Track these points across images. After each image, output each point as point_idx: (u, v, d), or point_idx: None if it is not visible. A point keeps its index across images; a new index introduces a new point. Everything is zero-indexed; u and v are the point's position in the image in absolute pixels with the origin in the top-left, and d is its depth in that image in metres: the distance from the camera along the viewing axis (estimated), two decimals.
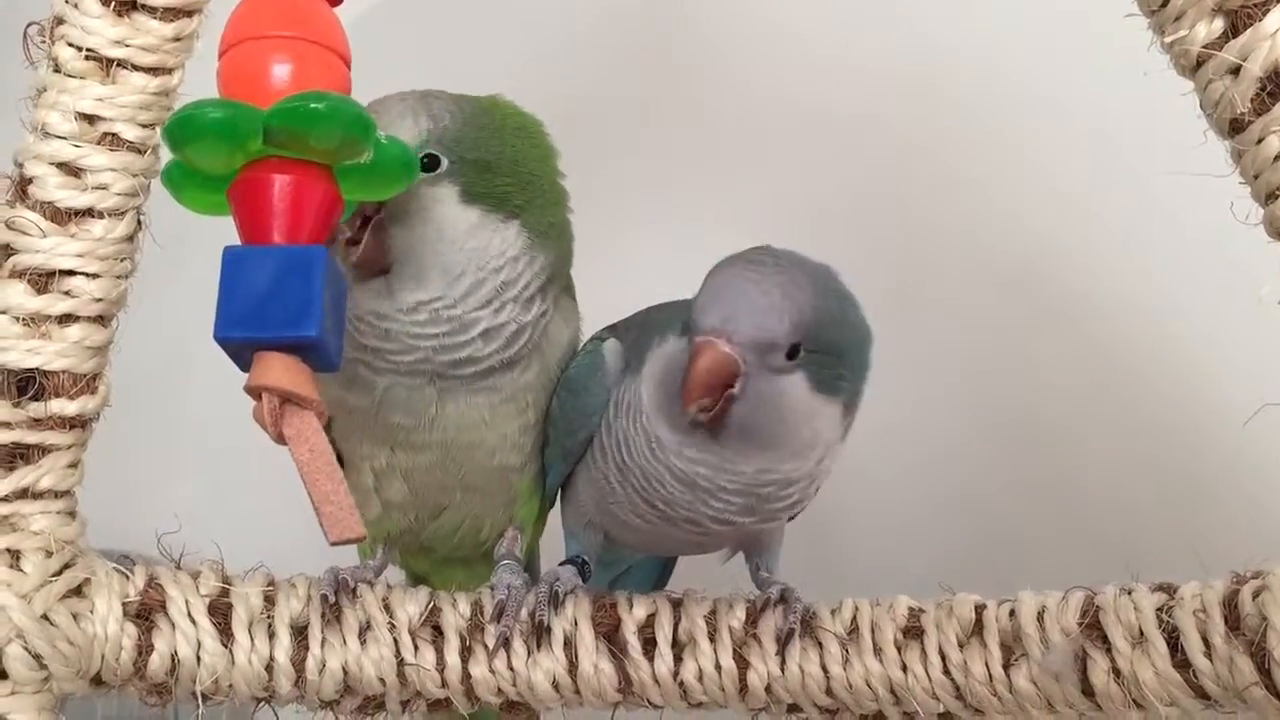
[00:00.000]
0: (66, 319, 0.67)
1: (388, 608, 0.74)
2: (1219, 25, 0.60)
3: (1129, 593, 0.71)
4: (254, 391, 0.64)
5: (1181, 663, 0.68)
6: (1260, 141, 0.60)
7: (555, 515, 0.86)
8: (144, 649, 0.71)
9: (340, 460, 0.78)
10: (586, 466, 0.78)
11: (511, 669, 0.74)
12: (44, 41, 0.67)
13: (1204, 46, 0.60)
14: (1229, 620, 0.67)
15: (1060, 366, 1.14)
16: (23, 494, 0.68)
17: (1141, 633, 0.69)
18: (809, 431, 0.72)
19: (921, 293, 1.16)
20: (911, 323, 1.13)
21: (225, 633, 0.72)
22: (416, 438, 0.77)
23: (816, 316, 0.69)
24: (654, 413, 0.72)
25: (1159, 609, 0.69)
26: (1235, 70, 0.60)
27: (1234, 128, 0.61)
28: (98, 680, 0.72)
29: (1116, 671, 0.69)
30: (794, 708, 0.75)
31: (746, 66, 1.20)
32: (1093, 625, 0.70)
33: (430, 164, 0.73)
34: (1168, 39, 0.61)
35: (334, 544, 0.64)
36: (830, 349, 0.70)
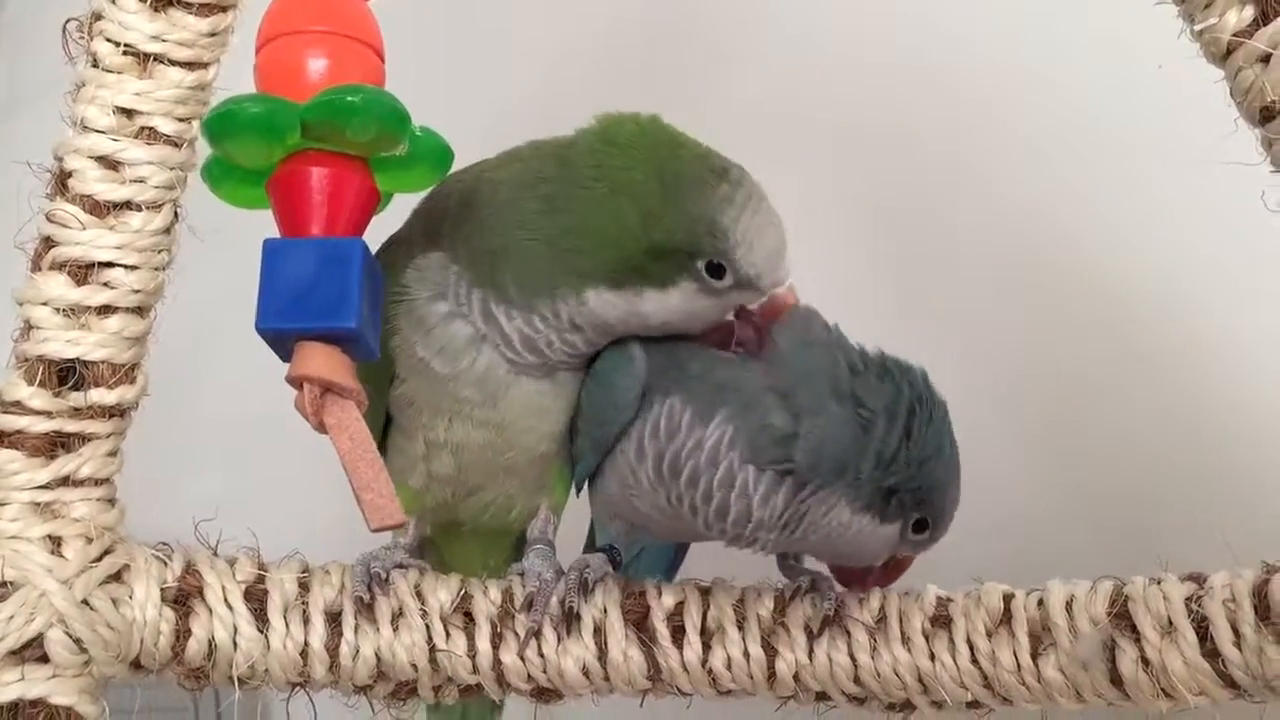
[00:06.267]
0: (106, 310, 0.68)
1: (420, 594, 0.75)
2: (1249, 13, 0.60)
3: (1158, 582, 0.71)
4: (295, 381, 0.65)
5: (1211, 652, 0.68)
6: None
7: (571, 503, 0.87)
8: (182, 634, 0.72)
9: (390, 429, 0.81)
10: (613, 456, 0.79)
11: (542, 656, 0.75)
12: (82, 37, 0.68)
13: (1234, 34, 0.60)
14: (1259, 610, 0.67)
15: (1088, 357, 1.13)
16: (63, 482, 0.69)
17: (1171, 622, 0.69)
18: None
19: (944, 286, 1.16)
20: (934, 316, 1.13)
21: (261, 618, 0.73)
22: (479, 414, 0.78)
23: None
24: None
25: (1188, 599, 0.69)
26: (1265, 58, 0.59)
27: (1264, 116, 0.61)
28: (137, 664, 0.73)
29: (1145, 661, 0.69)
30: (822, 696, 0.76)
31: (757, 70, 1.20)
32: (1122, 615, 0.70)
33: None
34: (1197, 27, 0.61)
35: (375, 531, 0.65)
36: None
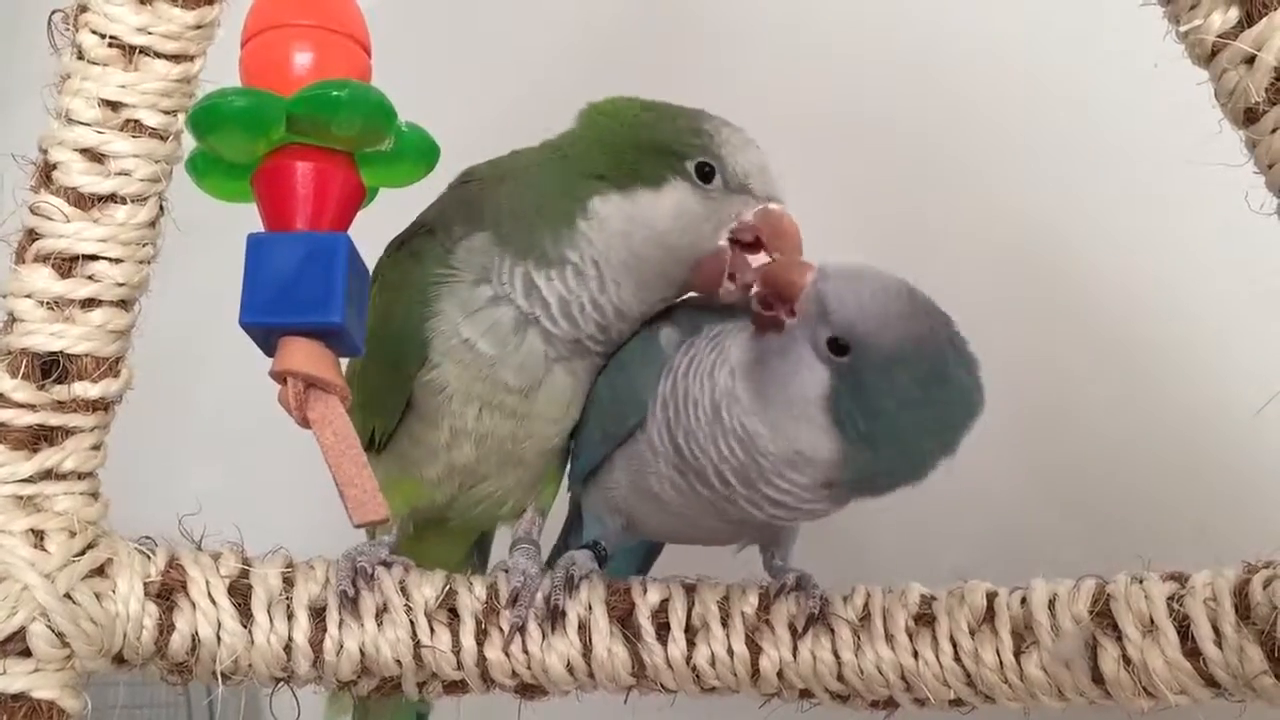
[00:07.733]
0: (90, 303, 0.68)
1: (404, 590, 0.75)
2: (1234, 14, 0.60)
3: (1140, 581, 0.71)
4: (279, 376, 0.65)
5: (1192, 651, 0.68)
6: (1275, 131, 0.60)
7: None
8: (165, 628, 0.72)
9: (406, 418, 0.81)
10: (626, 446, 0.79)
11: (526, 652, 0.75)
12: (68, 29, 0.68)
13: (1219, 36, 0.60)
14: (1239, 609, 0.67)
15: (1073, 357, 1.13)
16: (46, 475, 0.69)
17: (1152, 621, 0.69)
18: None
19: (932, 285, 1.16)
20: None
21: (245, 613, 0.73)
22: (511, 401, 0.79)
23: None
24: (744, 390, 0.72)
25: (1170, 598, 0.69)
26: (1250, 60, 0.59)
27: (1248, 117, 0.61)
28: (120, 659, 0.73)
29: (1127, 659, 0.69)
30: (806, 693, 0.76)
31: (755, 67, 1.21)
32: (1104, 613, 0.70)
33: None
34: (1182, 28, 0.61)
35: (358, 526, 0.65)
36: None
